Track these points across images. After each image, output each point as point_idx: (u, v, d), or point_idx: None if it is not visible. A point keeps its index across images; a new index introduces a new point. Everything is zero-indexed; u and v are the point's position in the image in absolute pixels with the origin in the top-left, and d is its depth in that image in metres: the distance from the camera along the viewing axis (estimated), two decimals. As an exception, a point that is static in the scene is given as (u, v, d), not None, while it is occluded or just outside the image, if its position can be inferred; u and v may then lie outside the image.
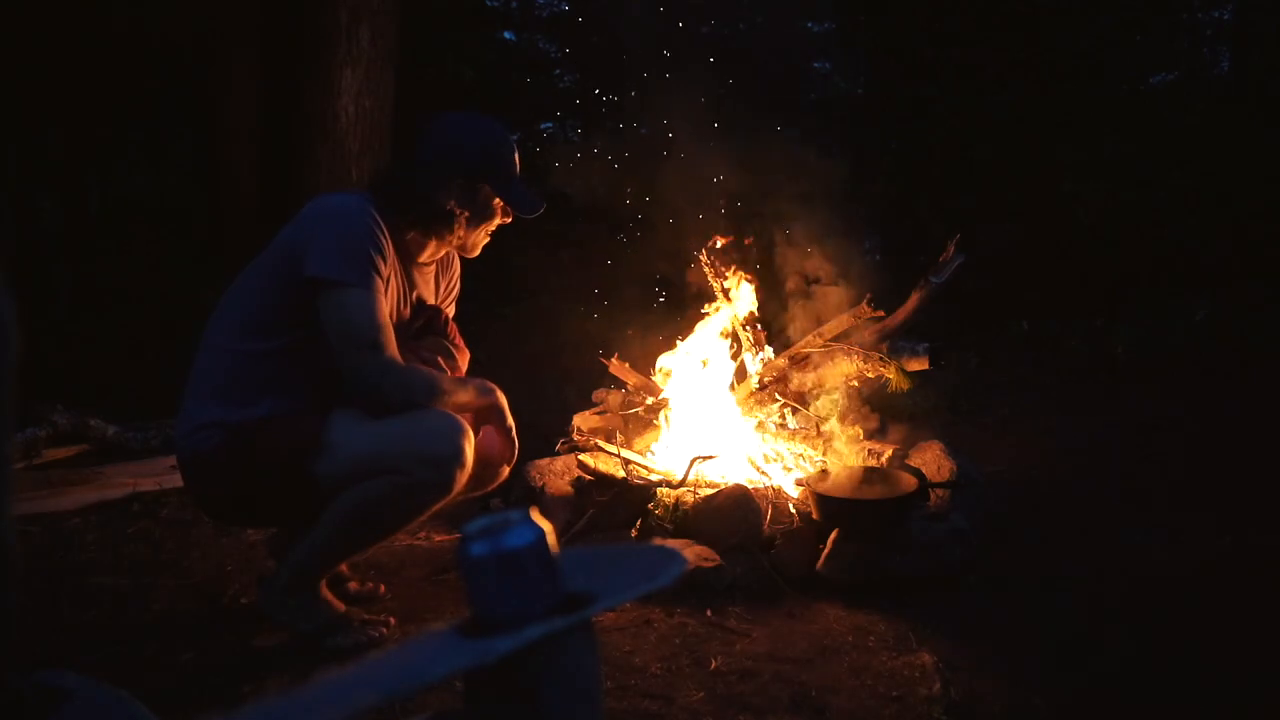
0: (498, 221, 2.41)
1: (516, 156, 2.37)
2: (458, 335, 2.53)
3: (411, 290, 2.39)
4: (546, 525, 0.80)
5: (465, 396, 2.28)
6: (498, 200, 2.35)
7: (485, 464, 2.31)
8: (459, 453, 2.13)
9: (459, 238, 2.37)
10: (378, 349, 2.12)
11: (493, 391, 2.35)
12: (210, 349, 2.26)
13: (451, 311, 2.59)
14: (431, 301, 2.50)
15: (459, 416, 2.20)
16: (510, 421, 2.38)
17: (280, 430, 2.14)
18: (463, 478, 2.17)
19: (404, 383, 2.16)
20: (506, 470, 2.48)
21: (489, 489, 2.49)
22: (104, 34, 6.31)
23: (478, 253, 2.47)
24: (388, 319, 2.18)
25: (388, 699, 0.66)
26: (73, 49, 6.23)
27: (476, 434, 2.26)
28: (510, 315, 6.89)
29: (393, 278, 2.26)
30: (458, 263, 2.60)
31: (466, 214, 2.33)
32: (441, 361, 2.38)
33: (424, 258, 2.42)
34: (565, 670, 0.77)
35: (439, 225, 2.33)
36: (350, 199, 2.25)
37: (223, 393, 2.20)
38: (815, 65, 10.25)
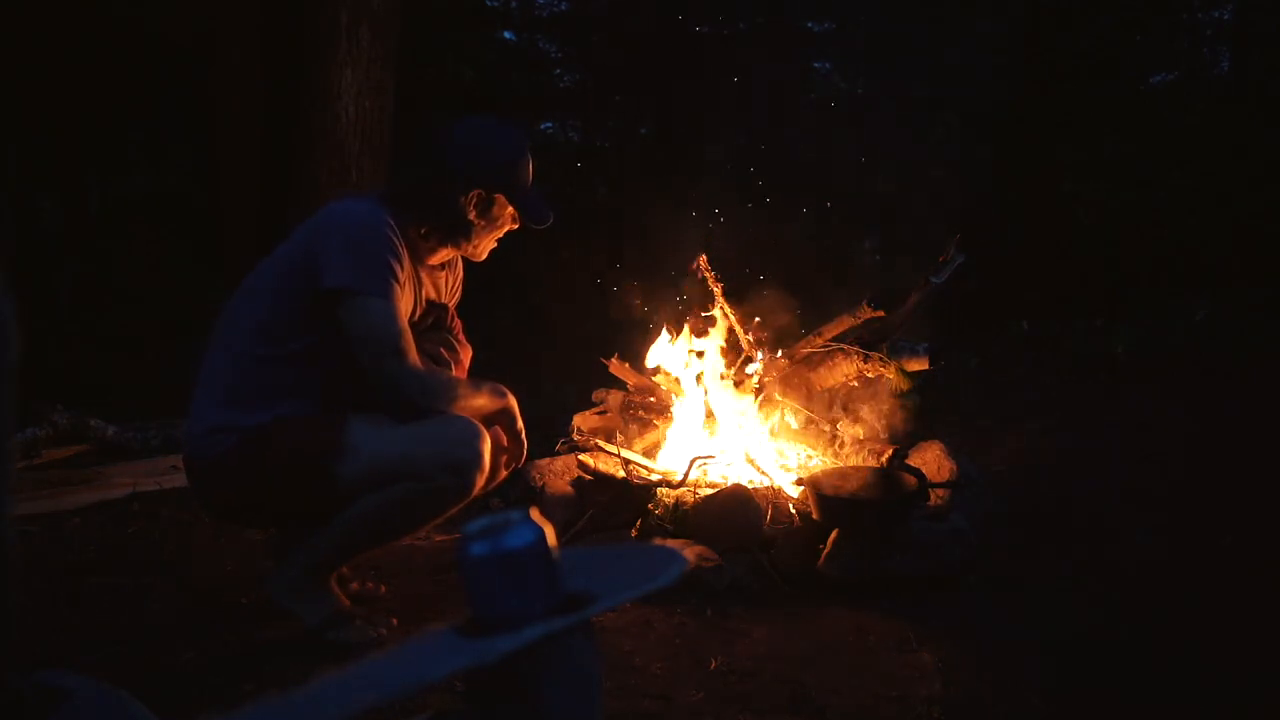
0: (507, 228, 2.43)
1: (531, 165, 2.39)
2: (461, 332, 2.56)
3: (422, 291, 2.41)
4: (546, 525, 0.80)
5: (481, 400, 2.32)
6: (510, 209, 2.37)
7: (491, 465, 2.32)
8: (479, 458, 2.18)
9: (473, 245, 2.40)
10: (401, 355, 2.15)
11: (505, 395, 2.39)
12: (222, 351, 2.26)
13: (454, 306, 2.61)
14: (439, 300, 2.51)
15: (476, 420, 2.23)
16: (520, 425, 2.42)
17: (300, 433, 2.16)
18: (481, 481, 2.23)
19: (427, 388, 2.20)
20: (507, 471, 2.49)
21: (490, 488, 2.50)
22: (104, 34, 6.31)
23: (485, 257, 2.48)
24: (407, 324, 2.21)
25: (388, 699, 0.66)
26: (73, 49, 6.24)
27: None
28: (509, 315, 6.90)
29: (407, 282, 2.28)
30: (461, 261, 2.61)
31: (483, 223, 2.36)
32: (444, 354, 2.41)
33: (434, 260, 2.44)
34: (565, 670, 0.78)
35: (457, 234, 2.35)
36: (364, 205, 2.26)
37: (236, 396, 2.21)
38: (815, 65, 10.25)
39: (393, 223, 2.22)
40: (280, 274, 2.25)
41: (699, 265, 3.46)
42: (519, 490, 3.10)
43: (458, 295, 2.63)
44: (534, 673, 0.76)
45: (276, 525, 2.53)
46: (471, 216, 2.33)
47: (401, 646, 0.75)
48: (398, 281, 2.19)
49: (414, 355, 2.19)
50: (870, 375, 3.36)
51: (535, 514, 0.80)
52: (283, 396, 2.20)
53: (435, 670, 0.69)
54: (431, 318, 2.48)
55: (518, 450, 2.43)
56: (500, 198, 2.34)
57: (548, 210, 2.37)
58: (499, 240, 2.47)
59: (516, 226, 2.43)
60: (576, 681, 0.78)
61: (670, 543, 2.66)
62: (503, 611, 0.75)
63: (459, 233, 2.35)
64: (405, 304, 2.26)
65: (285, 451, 2.14)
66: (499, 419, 2.36)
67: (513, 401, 2.40)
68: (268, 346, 2.22)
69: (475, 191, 2.30)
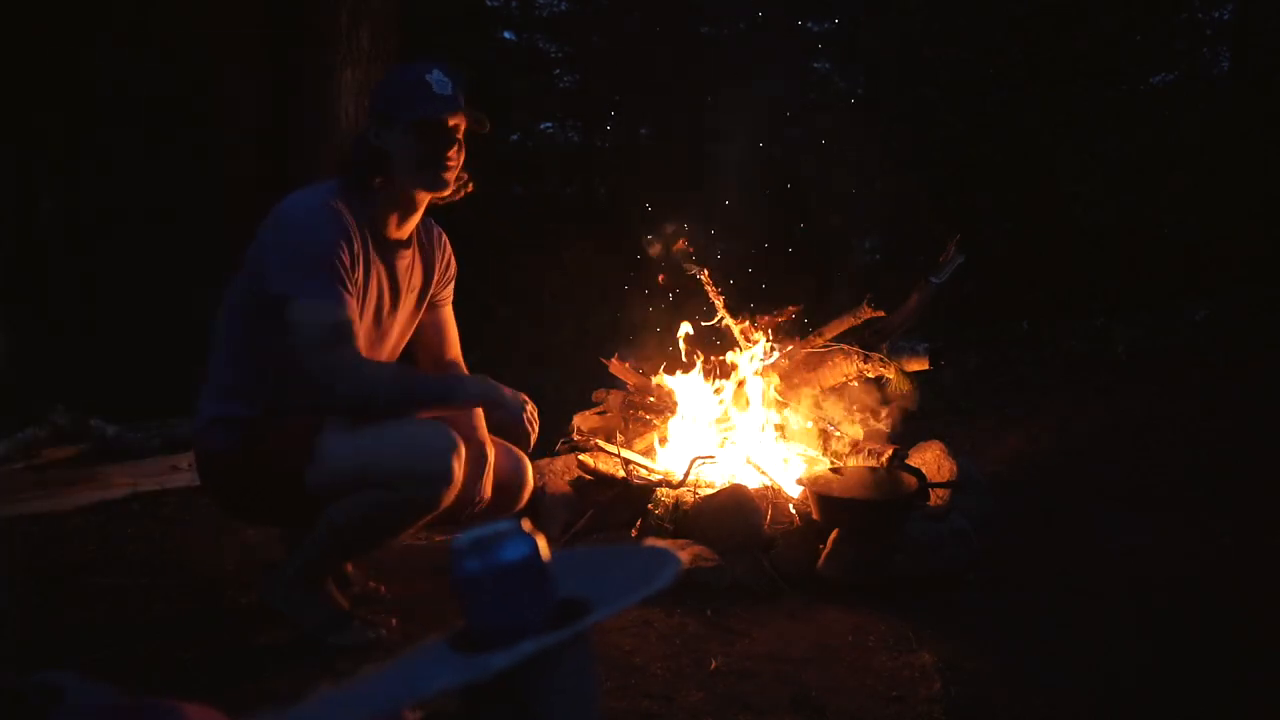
0: (434, 149, 2.17)
1: (434, 75, 2.15)
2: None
3: (393, 277, 2.30)
4: (539, 536, 0.80)
5: (432, 400, 2.22)
6: (416, 122, 2.15)
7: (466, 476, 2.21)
8: (447, 471, 2.09)
9: (413, 178, 2.19)
10: (331, 349, 2.06)
11: (480, 393, 2.26)
12: (215, 347, 2.28)
13: (449, 295, 2.53)
14: (427, 286, 2.43)
15: (453, 433, 2.14)
16: (519, 400, 2.33)
17: (276, 434, 2.15)
18: (450, 495, 2.13)
19: (359, 384, 2.09)
20: (526, 497, 2.46)
21: (510, 514, 2.46)
22: (106, 33, 6.32)
23: (447, 189, 2.23)
24: (352, 318, 2.11)
25: (383, 716, 0.66)
26: (74, 49, 6.24)
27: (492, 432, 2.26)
28: (510, 315, 6.89)
29: (361, 266, 2.18)
30: (447, 243, 2.52)
31: (389, 153, 2.17)
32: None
33: (394, 232, 2.29)
34: (561, 680, 0.78)
35: (372, 173, 2.18)
36: (304, 197, 2.18)
37: (226, 391, 2.22)
38: (815, 65, 10.25)
39: (343, 208, 2.14)
40: (245, 276, 2.21)
41: (698, 272, 3.47)
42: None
43: (452, 275, 2.52)
44: (530, 682, 0.76)
45: (277, 524, 2.53)
46: (378, 149, 2.17)
47: (397, 661, 0.76)
48: (342, 273, 2.09)
49: (354, 347, 2.09)
50: (870, 375, 3.36)
51: (527, 525, 0.80)
52: (267, 394, 2.20)
53: (430, 686, 0.70)
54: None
55: (524, 441, 2.36)
56: (399, 116, 2.15)
57: (451, 95, 2.14)
58: (450, 163, 2.20)
59: (449, 144, 2.18)
60: (573, 689, 0.78)
61: (669, 543, 2.66)
62: (497, 624, 0.75)
63: (371, 170, 2.17)
64: (370, 295, 2.21)
65: (264, 453, 2.14)
66: (503, 419, 2.30)
67: (492, 392, 2.27)
68: (247, 345, 2.21)
69: (374, 123, 2.19)
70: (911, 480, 2.75)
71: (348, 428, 2.14)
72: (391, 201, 2.24)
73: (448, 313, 2.53)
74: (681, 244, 3.46)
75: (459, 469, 2.12)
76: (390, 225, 2.27)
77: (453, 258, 2.54)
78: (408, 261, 2.35)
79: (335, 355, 2.07)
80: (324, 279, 2.08)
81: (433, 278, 2.46)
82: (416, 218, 2.32)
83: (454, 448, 2.11)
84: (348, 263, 2.12)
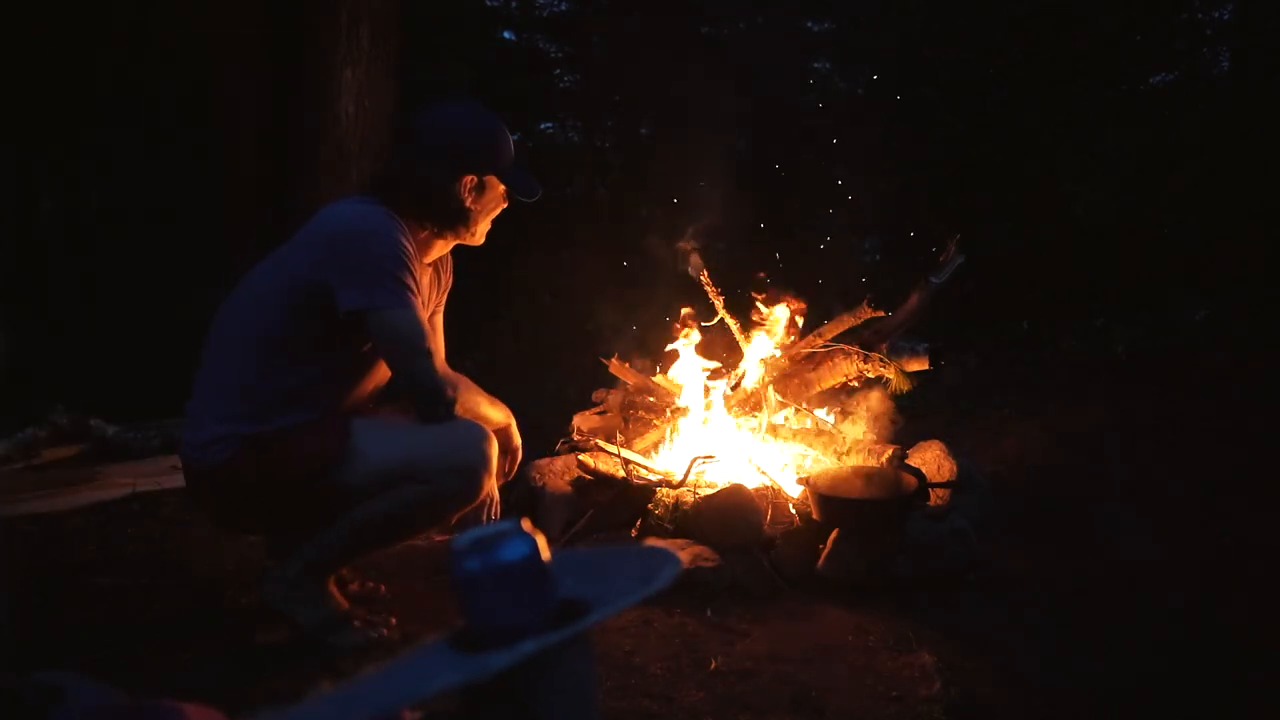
0: (500, 208, 2.42)
1: (511, 140, 2.39)
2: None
3: (428, 290, 2.42)
4: (538, 535, 0.80)
5: (491, 410, 2.42)
6: (501, 188, 2.37)
7: None
8: (486, 460, 2.21)
9: (472, 232, 2.39)
10: (430, 355, 2.19)
11: (509, 413, 2.48)
12: (222, 358, 2.24)
13: (443, 303, 2.60)
14: (435, 297, 2.51)
15: (481, 424, 2.28)
16: (518, 441, 2.52)
17: (304, 441, 2.15)
18: (490, 484, 2.25)
19: (446, 389, 2.22)
20: (518, 461, 2.58)
21: (504, 481, 2.56)
22: (106, 34, 6.32)
23: (483, 240, 2.46)
24: (429, 325, 2.25)
25: (382, 716, 0.66)
26: (74, 48, 6.24)
27: None
28: (510, 315, 6.89)
29: (420, 282, 2.28)
30: (449, 257, 2.59)
31: (478, 208, 2.35)
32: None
33: (433, 256, 2.41)
34: (560, 679, 0.78)
35: (457, 224, 2.34)
36: (364, 211, 2.21)
37: (237, 404, 2.17)
38: (815, 65, 10.25)
39: (403, 226, 2.21)
40: (282, 287, 2.20)
41: (697, 268, 3.46)
42: (519, 490, 3.10)
43: (452, 279, 2.62)
44: (530, 682, 0.76)
45: (285, 530, 2.52)
46: (469, 204, 2.32)
47: (397, 661, 0.76)
48: (414, 281, 2.19)
49: (440, 357, 2.23)
50: (870, 375, 3.36)
51: (526, 525, 0.80)
52: (288, 406, 2.18)
53: (430, 686, 0.70)
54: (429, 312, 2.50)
55: (511, 465, 2.52)
56: (491, 179, 2.33)
57: (536, 183, 2.38)
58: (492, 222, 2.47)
59: (507, 205, 2.43)
60: (572, 689, 0.78)
61: (669, 543, 2.66)
62: (497, 624, 0.75)
63: (459, 222, 2.33)
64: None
65: (290, 460, 2.13)
66: (497, 432, 2.41)
67: (511, 416, 2.49)
68: (272, 356, 2.19)
69: (468, 178, 2.30)
70: (911, 480, 2.76)
71: (377, 427, 2.20)
72: (436, 240, 2.37)
73: (439, 321, 2.59)
74: (687, 247, 3.48)
75: (495, 456, 2.24)
76: (427, 255, 2.38)
77: (452, 268, 2.62)
78: (429, 278, 2.44)
79: (432, 361, 2.19)
80: (411, 292, 2.18)
81: (440, 289, 2.55)
82: (449, 249, 2.47)
83: (487, 436, 2.23)
84: (417, 274, 2.23)
